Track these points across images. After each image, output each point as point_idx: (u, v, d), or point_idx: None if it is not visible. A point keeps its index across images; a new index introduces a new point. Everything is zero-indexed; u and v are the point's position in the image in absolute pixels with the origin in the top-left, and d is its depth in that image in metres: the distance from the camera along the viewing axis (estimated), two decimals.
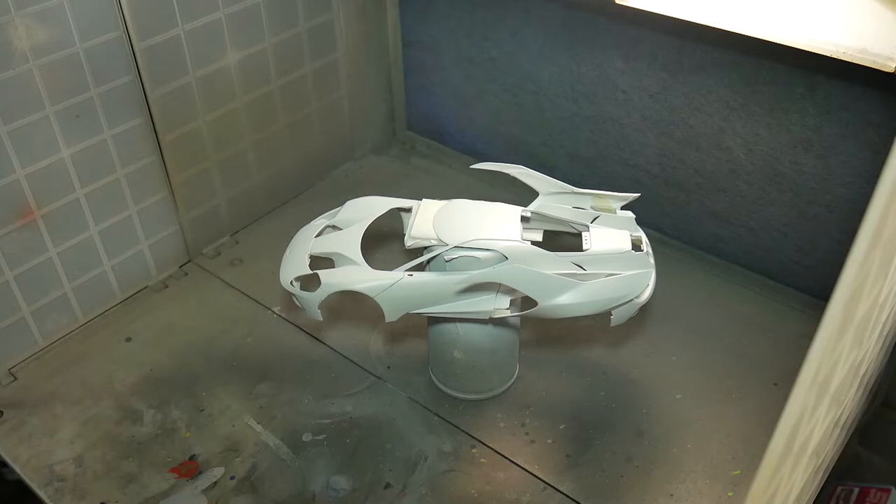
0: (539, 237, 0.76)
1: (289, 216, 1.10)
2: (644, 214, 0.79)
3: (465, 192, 0.80)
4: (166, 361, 0.89)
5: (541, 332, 0.91)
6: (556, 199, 0.77)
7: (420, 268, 0.71)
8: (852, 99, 0.80)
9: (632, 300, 0.71)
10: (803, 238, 0.92)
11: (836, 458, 0.68)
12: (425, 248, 0.72)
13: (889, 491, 0.83)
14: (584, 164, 1.07)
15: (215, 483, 0.76)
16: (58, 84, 0.81)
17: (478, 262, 0.70)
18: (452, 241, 0.70)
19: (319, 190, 1.17)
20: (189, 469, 0.77)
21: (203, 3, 0.90)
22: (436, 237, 0.71)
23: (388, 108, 1.25)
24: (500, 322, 0.76)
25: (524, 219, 0.74)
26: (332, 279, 0.71)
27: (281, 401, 0.84)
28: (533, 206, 0.76)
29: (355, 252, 0.72)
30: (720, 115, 0.90)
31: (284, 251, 0.76)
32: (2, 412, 0.83)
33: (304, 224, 0.79)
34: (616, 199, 0.77)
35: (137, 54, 0.86)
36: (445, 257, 0.70)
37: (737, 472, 0.76)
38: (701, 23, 0.65)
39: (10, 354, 0.88)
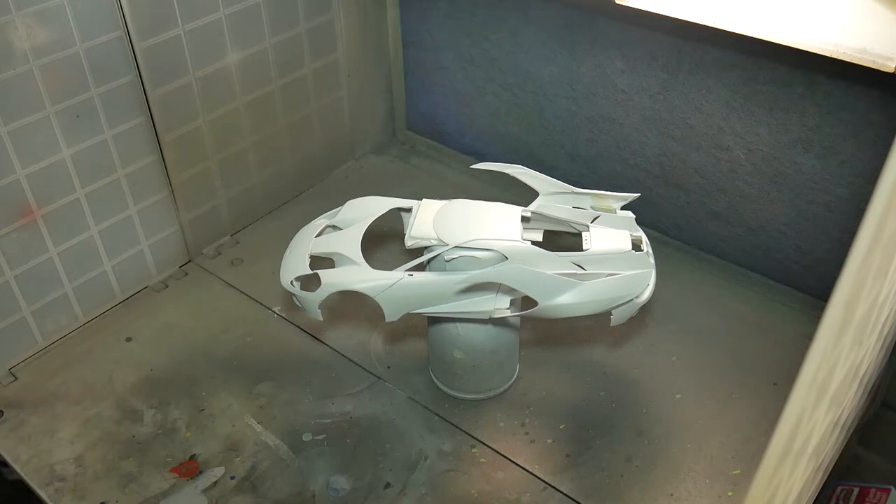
0: (539, 237, 0.76)
1: (289, 216, 1.10)
2: (644, 214, 0.79)
3: (465, 192, 0.80)
4: (166, 361, 0.89)
5: (541, 332, 0.91)
6: (556, 199, 0.77)
7: (420, 268, 0.71)
8: (852, 99, 0.80)
9: (632, 300, 0.71)
10: (803, 238, 0.92)
11: (836, 458, 0.68)
12: (425, 248, 0.72)
13: (889, 491, 0.83)
14: (584, 164, 1.07)
15: (215, 483, 0.76)
16: (58, 84, 0.81)
17: (478, 262, 0.70)
18: (452, 241, 0.70)
19: (319, 190, 1.17)
20: (189, 469, 0.77)
21: (203, 3, 0.90)
22: (436, 237, 0.71)
23: (388, 108, 1.25)
24: (500, 322, 0.76)
25: (524, 219, 0.74)
26: (332, 279, 0.71)
27: (281, 401, 0.84)
28: (533, 206, 0.76)
29: (355, 252, 0.72)
30: (720, 115, 0.90)
31: (284, 251, 0.76)
32: (2, 412, 0.83)
33: (304, 224, 0.79)
34: (616, 199, 0.77)
35: (138, 54, 0.86)
36: (445, 257, 0.70)
37: (737, 472, 0.76)
38: (701, 23, 0.65)
39: (10, 354, 0.88)
